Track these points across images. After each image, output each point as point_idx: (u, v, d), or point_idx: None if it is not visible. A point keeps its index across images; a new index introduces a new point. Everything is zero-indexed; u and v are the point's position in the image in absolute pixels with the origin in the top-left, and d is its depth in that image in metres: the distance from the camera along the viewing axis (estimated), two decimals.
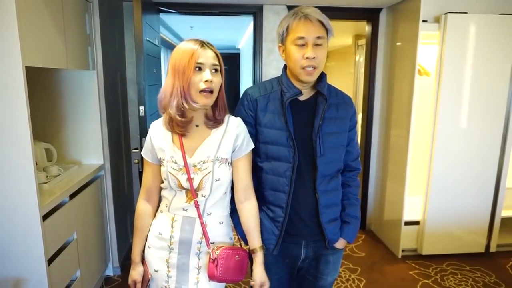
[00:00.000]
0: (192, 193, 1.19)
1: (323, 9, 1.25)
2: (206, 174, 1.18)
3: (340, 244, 1.38)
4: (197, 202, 1.19)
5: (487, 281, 2.56)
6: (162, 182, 1.26)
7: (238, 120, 1.25)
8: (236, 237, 1.36)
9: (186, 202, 1.21)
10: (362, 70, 3.78)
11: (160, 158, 1.23)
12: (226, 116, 1.25)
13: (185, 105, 1.14)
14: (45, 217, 1.65)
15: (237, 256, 1.22)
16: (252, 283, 1.25)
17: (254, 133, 1.32)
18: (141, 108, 2.20)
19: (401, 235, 2.82)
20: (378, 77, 3.19)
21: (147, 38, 2.31)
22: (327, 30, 1.23)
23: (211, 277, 1.20)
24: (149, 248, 1.27)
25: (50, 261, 1.69)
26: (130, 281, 1.31)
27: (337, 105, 1.33)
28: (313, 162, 1.28)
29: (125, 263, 2.66)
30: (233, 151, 1.23)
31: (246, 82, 7.03)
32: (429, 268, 2.73)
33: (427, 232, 2.81)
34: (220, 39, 7.07)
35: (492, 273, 2.67)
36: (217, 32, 6.00)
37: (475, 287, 2.50)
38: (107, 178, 2.44)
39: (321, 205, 1.30)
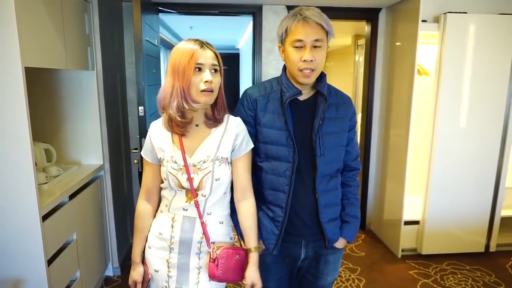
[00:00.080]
0: (192, 192, 1.19)
1: (323, 9, 1.24)
2: (206, 174, 1.18)
3: (340, 243, 1.38)
4: (197, 201, 1.20)
5: (487, 281, 2.56)
6: (162, 182, 1.26)
7: (238, 119, 1.25)
8: (237, 236, 1.36)
9: (186, 202, 1.21)
10: (361, 70, 3.78)
11: (160, 158, 1.23)
12: (226, 116, 1.25)
13: (185, 106, 1.14)
14: (44, 217, 1.65)
15: (237, 256, 1.22)
16: (244, 282, 1.25)
17: (254, 133, 1.32)
18: (141, 108, 2.20)
19: (400, 235, 2.82)
20: (377, 77, 3.19)
21: (147, 38, 2.30)
22: (326, 32, 1.23)
23: (212, 277, 1.20)
24: (150, 248, 1.27)
25: (50, 261, 1.69)
26: (130, 282, 1.31)
27: (336, 105, 1.33)
28: (313, 162, 1.28)
29: (125, 264, 2.66)
30: (232, 151, 1.23)
31: (245, 82, 7.03)
32: (429, 267, 2.73)
33: (427, 231, 2.81)
34: (219, 39, 7.07)
35: (491, 272, 2.67)
36: (217, 32, 6.00)
37: (475, 286, 2.50)
38: (107, 178, 2.43)
39: (320, 204, 1.30)
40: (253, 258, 1.24)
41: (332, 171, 1.33)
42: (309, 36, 1.19)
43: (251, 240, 1.26)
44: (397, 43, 2.91)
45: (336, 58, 5.28)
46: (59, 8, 1.85)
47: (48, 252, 1.67)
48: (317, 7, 1.24)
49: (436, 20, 2.63)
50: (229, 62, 8.37)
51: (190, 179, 1.18)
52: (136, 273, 1.30)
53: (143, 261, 1.30)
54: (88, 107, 2.29)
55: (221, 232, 1.25)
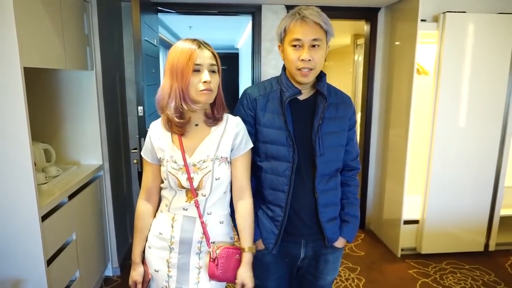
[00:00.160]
0: (192, 192, 1.19)
1: (322, 9, 1.24)
2: (206, 173, 1.18)
3: (340, 243, 1.38)
4: (197, 201, 1.20)
5: (486, 280, 2.57)
6: (162, 182, 1.26)
7: (237, 119, 1.26)
8: (237, 236, 1.36)
9: (186, 201, 1.21)
10: (360, 69, 3.78)
11: (160, 158, 1.23)
12: (225, 115, 1.25)
13: (184, 107, 1.14)
14: (44, 217, 1.65)
15: (237, 256, 1.22)
16: (236, 281, 1.25)
17: (254, 133, 1.32)
18: (140, 108, 2.20)
19: (400, 234, 2.83)
20: (377, 76, 3.19)
21: (146, 38, 2.30)
22: (325, 32, 1.23)
23: (212, 276, 1.20)
24: (150, 248, 1.27)
25: (49, 261, 1.69)
26: (130, 282, 1.31)
27: (336, 104, 1.33)
28: (313, 162, 1.28)
29: (125, 263, 2.66)
30: (231, 150, 1.23)
31: (244, 81, 7.02)
32: (429, 267, 2.73)
33: (426, 231, 2.82)
34: (218, 39, 7.07)
35: (491, 271, 2.67)
36: (216, 31, 5.99)
37: (474, 285, 2.50)
38: (106, 178, 2.43)
39: (320, 204, 1.30)
40: (246, 258, 1.23)
41: (332, 170, 1.34)
42: (307, 36, 1.19)
43: (246, 240, 1.25)
44: (396, 43, 2.91)
45: (336, 58, 5.28)
46: (58, 8, 1.85)
47: (47, 252, 1.67)
48: (316, 6, 1.24)
49: (435, 19, 2.64)
50: (228, 61, 8.38)
51: (190, 179, 1.18)
52: (136, 273, 1.29)
53: (143, 261, 1.30)
54: (88, 107, 2.29)
55: (221, 231, 1.25)
